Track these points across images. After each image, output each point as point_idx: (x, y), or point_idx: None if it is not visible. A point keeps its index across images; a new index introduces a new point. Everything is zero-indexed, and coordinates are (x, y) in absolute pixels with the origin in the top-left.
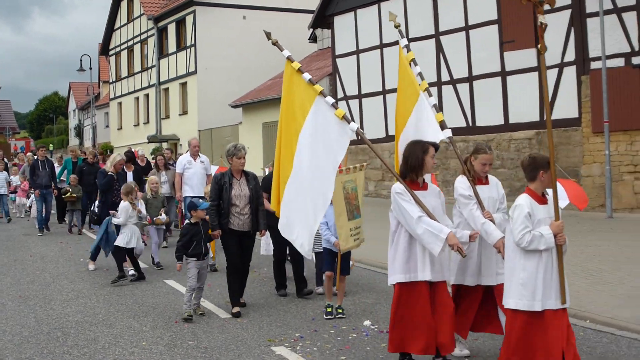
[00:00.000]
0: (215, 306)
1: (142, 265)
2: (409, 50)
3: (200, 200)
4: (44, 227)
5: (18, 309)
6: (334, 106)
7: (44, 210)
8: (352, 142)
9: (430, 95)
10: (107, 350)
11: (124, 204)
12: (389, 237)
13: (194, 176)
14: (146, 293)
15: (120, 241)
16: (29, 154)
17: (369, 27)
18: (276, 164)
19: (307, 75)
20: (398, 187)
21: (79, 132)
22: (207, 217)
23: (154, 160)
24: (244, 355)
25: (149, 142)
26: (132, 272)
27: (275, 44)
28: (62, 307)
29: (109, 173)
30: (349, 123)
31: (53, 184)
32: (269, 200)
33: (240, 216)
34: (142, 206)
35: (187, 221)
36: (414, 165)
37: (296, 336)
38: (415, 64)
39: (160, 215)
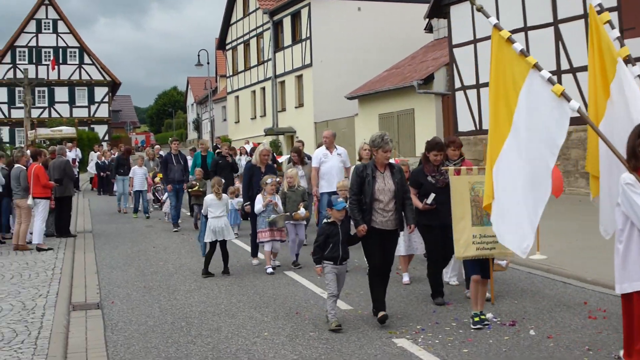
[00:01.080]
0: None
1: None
2: (602, 11)
3: (340, 199)
4: (179, 223)
5: (143, 299)
6: (551, 81)
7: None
8: (471, 132)
9: (633, 63)
10: (230, 340)
11: (207, 196)
12: (616, 236)
13: (331, 170)
14: (267, 284)
15: (206, 237)
16: (157, 146)
17: None
18: (490, 149)
19: (518, 46)
20: (628, 177)
21: (197, 126)
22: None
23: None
24: (366, 347)
25: (265, 135)
26: (270, 270)
27: (480, 10)
28: (186, 297)
29: (256, 165)
30: (568, 101)
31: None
32: (417, 196)
33: (383, 213)
34: (277, 200)
35: (324, 220)
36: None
37: (417, 328)
38: (613, 27)
39: (299, 209)
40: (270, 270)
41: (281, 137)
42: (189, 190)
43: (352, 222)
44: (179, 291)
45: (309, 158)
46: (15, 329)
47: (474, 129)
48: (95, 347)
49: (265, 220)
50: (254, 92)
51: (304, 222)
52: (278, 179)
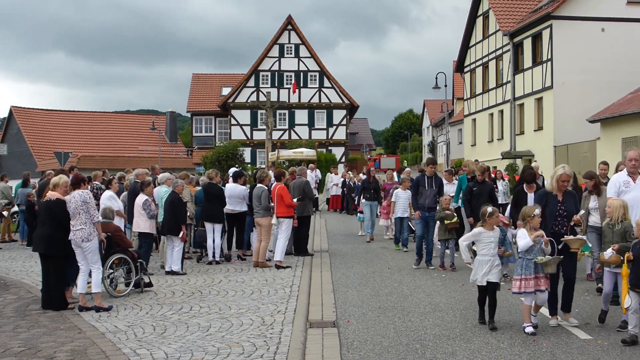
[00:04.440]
0: (574, 327)
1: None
2: None
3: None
4: (422, 260)
5: (378, 320)
6: None
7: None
8: None
9: None
10: None
11: (476, 229)
12: None
13: (634, 203)
14: (503, 310)
15: (472, 274)
16: (407, 169)
17: None
18: None
19: None
20: None
21: (432, 149)
22: None
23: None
24: None
25: (502, 158)
26: (530, 329)
27: None
28: (420, 319)
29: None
30: None
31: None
32: None
33: None
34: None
35: None
36: None
37: None
38: None
39: (606, 251)
40: (530, 329)
41: (518, 161)
42: (445, 222)
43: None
44: (414, 313)
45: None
46: (254, 343)
47: None
48: None
49: (532, 261)
50: (491, 114)
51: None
52: (582, 214)
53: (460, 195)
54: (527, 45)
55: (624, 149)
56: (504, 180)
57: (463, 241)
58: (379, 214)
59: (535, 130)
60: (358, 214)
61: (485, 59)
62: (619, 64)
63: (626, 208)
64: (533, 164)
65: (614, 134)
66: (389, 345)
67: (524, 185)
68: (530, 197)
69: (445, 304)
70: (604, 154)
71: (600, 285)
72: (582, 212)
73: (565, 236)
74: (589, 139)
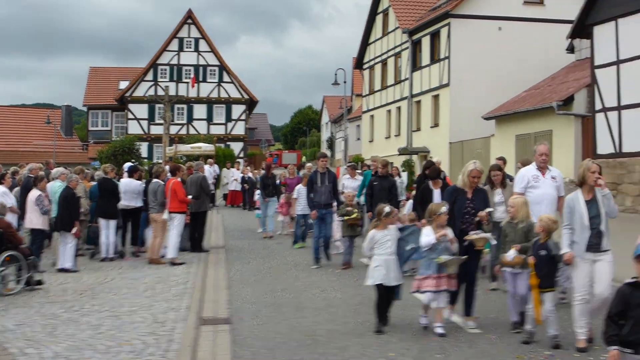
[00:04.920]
0: (462, 320)
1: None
2: None
3: None
4: (321, 257)
5: (271, 316)
6: None
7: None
8: (610, 155)
9: None
10: (355, 359)
11: (370, 231)
12: None
13: (543, 198)
14: (396, 306)
15: (371, 278)
16: (308, 164)
17: (632, 36)
18: None
19: None
20: None
21: (331, 145)
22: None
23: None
24: None
25: (399, 154)
26: (424, 320)
27: None
28: (314, 315)
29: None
30: None
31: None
32: None
33: None
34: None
35: (627, 281)
36: None
37: (546, 354)
38: None
39: (508, 252)
40: (424, 320)
41: (415, 157)
42: (344, 218)
43: None
44: (308, 309)
45: (511, 179)
46: (145, 341)
47: (613, 151)
48: None
49: (434, 261)
50: (389, 111)
51: (523, 271)
52: (489, 211)
53: (364, 191)
54: (426, 43)
55: (518, 146)
56: (399, 177)
57: (366, 250)
58: (276, 210)
59: (431, 127)
60: (256, 211)
61: (384, 56)
62: (515, 63)
63: (528, 206)
64: (435, 159)
65: (507, 131)
66: (281, 341)
67: (430, 182)
68: (437, 193)
69: (339, 300)
70: (498, 150)
71: (494, 285)
72: (489, 209)
73: (470, 233)
74: (484, 135)
